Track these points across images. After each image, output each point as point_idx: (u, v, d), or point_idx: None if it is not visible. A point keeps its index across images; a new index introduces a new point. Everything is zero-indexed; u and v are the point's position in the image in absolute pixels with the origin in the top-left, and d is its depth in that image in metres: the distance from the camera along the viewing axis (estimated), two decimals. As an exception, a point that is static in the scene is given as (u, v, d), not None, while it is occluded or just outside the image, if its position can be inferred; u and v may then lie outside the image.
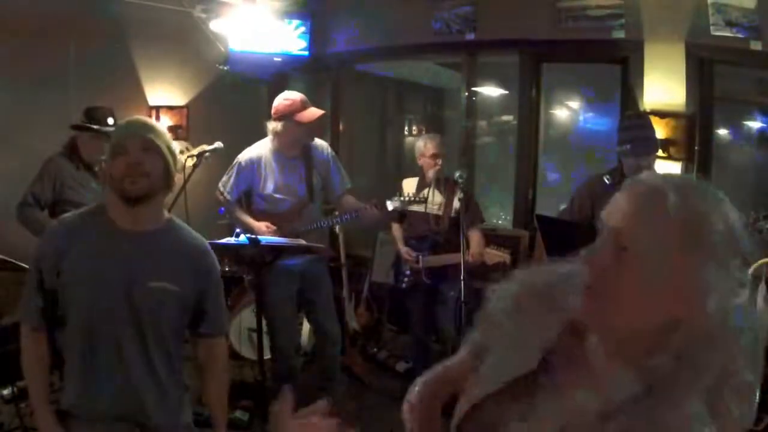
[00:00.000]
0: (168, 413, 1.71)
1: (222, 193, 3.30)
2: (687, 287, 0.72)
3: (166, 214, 1.76)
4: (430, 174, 3.56)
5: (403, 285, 3.62)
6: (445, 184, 3.59)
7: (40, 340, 1.68)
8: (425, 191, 3.51)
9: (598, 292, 0.77)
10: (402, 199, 3.18)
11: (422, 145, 3.60)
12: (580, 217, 2.84)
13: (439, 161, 3.55)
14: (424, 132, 6.48)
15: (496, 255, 3.26)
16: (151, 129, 1.68)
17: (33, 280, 1.66)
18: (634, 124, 2.96)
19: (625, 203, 0.78)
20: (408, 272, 3.58)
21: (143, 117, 1.82)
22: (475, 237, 3.47)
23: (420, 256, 3.48)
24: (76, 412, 1.64)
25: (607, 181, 2.89)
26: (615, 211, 0.79)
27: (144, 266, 1.63)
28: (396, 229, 3.69)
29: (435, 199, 3.55)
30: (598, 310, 0.77)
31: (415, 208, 3.44)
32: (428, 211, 3.49)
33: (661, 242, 0.73)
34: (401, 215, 3.38)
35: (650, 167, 2.82)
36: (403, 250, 3.57)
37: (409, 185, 3.61)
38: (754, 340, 0.75)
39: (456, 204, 3.50)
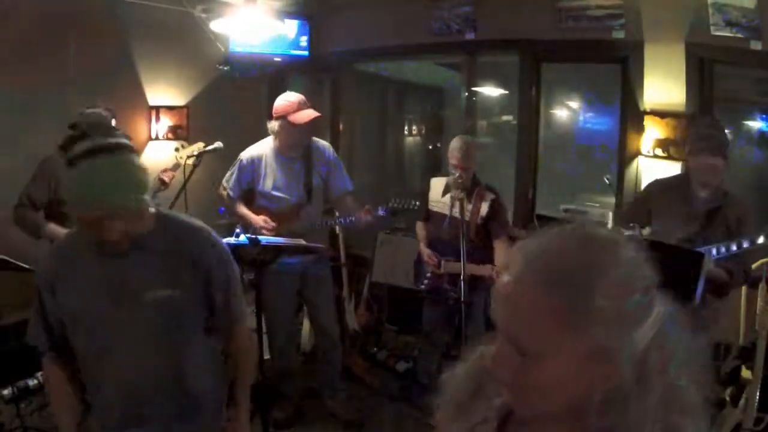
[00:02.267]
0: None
1: (225, 189, 3.41)
2: (592, 359, 0.71)
3: (150, 212, 1.61)
4: (450, 180, 3.33)
5: (422, 286, 3.47)
6: (474, 190, 3.37)
7: (56, 367, 1.62)
8: (449, 194, 3.32)
9: (516, 390, 0.76)
10: (393, 205, 3.19)
11: (450, 148, 3.35)
12: (636, 215, 2.75)
13: (458, 173, 3.26)
14: (423, 131, 6.49)
15: None
16: (99, 196, 1.43)
17: (35, 303, 1.61)
18: (709, 123, 2.89)
19: (501, 304, 0.75)
20: (429, 275, 3.42)
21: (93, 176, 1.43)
22: (500, 248, 3.31)
23: (442, 261, 3.33)
24: None
25: (667, 184, 2.86)
26: (498, 312, 0.76)
27: (137, 279, 1.54)
28: (420, 227, 3.53)
29: (465, 204, 3.29)
30: (523, 403, 0.77)
31: (438, 208, 3.39)
32: (454, 215, 3.26)
33: (546, 334, 0.71)
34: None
35: (719, 171, 2.61)
36: (426, 252, 3.40)
37: (437, 184, 3.45)
38: (690, 355, 0.75)
39: (484, 211, 3.34)
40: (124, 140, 1.51)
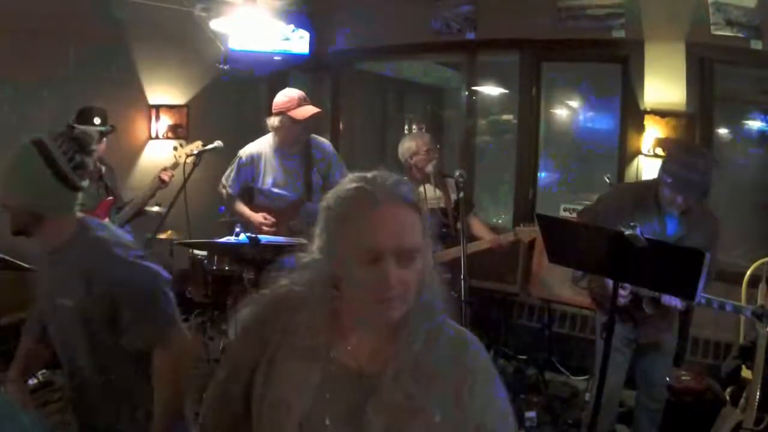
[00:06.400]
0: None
1: (224, 187, 3.43)
2: (429, 247, 1.05)
3: (75, 220, 1.65)
4: (429, 169, 3.42)
5: None
6: (438, 178, 3.50)
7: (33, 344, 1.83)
8: (419, 189, 3.41)
9: (401, 296, 0.99)
10: None
11: (413, 145, 3.48)
12: (601, 222, 2.59)
13: (435, 155, 3.45)
14: (423, 130, 6.48)
15: (531, 232, 3.33)
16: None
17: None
18: (685, 162, 2.43)
19: (394, 229, 0.99)
20: None
21: None
22: (477, 224, 3.54)
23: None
24: None
25: (637, 195, 2.66)
26: (392, 237, 0.98)
27: (52, 284, 1.66)
28: None
29: (435, 194, 3.47)
30: (403, 305, 1.01)
31: None
32: (429, 206, 3.38)
33: (420, 238, 1.02)
34: None
35: (686, 206, 2.48)
36: None
37: None
38: None
39: (454, 194, 3.42)
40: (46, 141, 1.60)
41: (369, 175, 1.04)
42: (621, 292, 2.47)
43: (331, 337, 1.08)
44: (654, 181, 2.64)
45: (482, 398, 1.03)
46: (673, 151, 2.66)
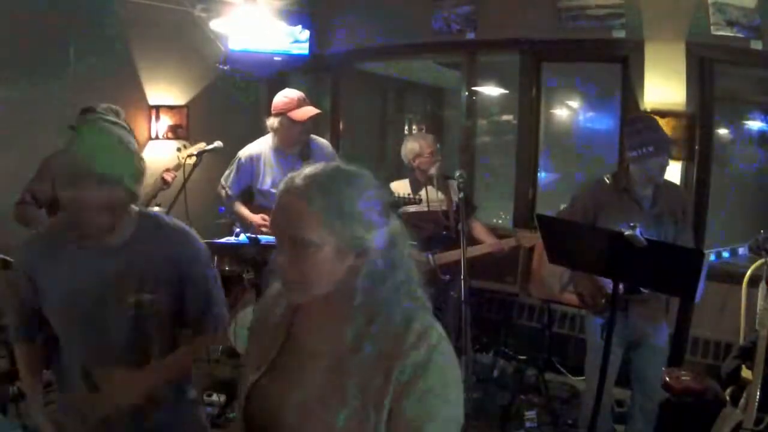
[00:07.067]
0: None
1: (224, 188, 3.42)
2: (350, 250, 1.03)
3: (135, 212, 1.57)
4: (432, 171, 3.41)
5: None
6: (441, 180, 3.49)
7: (28, 352, 1.62)
8: (423, 191, 3.42)
9: (297, 278, 1.04)
10: (398, 198, 3.20)
11: (417, 146, 3.47)
12: (581, 219, 2.73)
13: (438, 156, 3.45)
14: (424, 131, 6.49)
15: (533, 237, 3.32)
16: (94, 157, 1.39)
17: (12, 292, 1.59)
18: (636, 130, 2.66)
19: (281, 214, 1.04)
20: None
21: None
22: (478, 228, 3.50)
23: (430, 256, 3.34)
24: None
25: (609, 184, 2.76)
26: (279, 222, 1.05)
27: (120, 280, 1.49)
28: None
29: (438, 196, 3.45)
30: (303, 292, 1.05)
31: (414, 208, 3.40)
32: (432, 209, 3.38)
33: (313, 229, 1.01)
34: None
35: (658, 174, 2.65)
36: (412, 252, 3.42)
37: (401, 188, 3.45)
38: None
39: (456, 196, 3.41)
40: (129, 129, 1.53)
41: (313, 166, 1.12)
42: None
43: (296, 316, 1.17)
44: (621, 169, 2.82)
45: (413, 394, 1.00)
46: (625, 131, 2.84)
